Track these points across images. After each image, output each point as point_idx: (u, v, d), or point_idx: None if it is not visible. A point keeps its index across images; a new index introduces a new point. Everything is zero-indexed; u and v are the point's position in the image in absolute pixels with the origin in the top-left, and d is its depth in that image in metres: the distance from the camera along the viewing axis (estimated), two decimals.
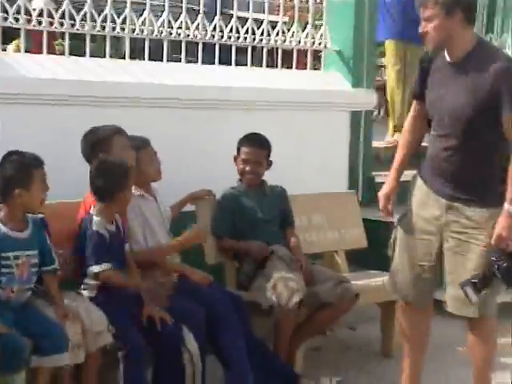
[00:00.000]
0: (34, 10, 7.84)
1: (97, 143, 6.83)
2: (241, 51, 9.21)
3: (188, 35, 8.69)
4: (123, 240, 6.52)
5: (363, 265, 8.33)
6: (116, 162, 6.52)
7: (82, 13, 7.97)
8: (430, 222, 6.34)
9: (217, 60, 8.95)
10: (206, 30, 8.81)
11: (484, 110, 6.06)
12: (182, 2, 8.68)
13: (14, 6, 7.56)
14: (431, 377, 6.81)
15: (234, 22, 9.03)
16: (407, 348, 6.71)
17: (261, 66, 9.40)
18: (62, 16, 7.85)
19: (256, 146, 7.57)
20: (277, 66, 9.60)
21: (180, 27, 8.59)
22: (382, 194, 6.56)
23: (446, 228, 6.26)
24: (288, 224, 7.71)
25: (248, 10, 9.29)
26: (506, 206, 5.98)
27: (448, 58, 6.23)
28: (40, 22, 7.79)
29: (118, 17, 8.18)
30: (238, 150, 7.60)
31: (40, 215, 6.27)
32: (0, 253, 5.85)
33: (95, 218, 6.36)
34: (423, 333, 6.66)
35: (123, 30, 8.22)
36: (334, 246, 8.52)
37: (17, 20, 7.63)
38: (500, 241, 5.96)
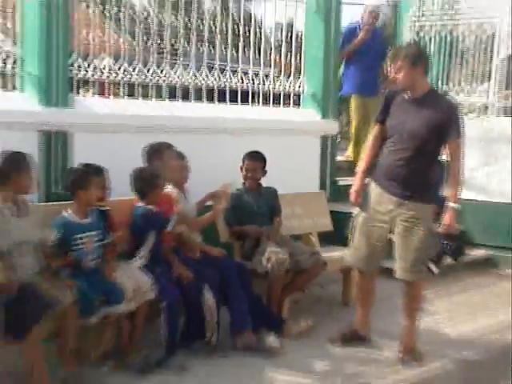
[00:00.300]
0: (104, 66, 7.95)
1: (153, 154, 6.96)
2: (245, 94, 9.31)
3: (208, 84, 8.80)
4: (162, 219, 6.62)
5: (330, 242, 8.38)
6: (148, 170, 6.66)
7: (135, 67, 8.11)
8: (384, 214, 6.46)
9: (227, 100, 9.07)
10: (220, 80, 8.93)
11: (433, 133, 6.29)
12: (203, 61, 8.79)
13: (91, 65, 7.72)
14: (377, 320, 6.87)
15: (239, 74, 9.18)
16: (360, 300, 6.86)
17: (258, 104, 9.48)
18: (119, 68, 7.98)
19: (255, 159, 7.67)
20: (269, 104, 9.66)
21: (203, 78, 8.73)
22: (353, 190, 6.64)
23: (397, 218, 6.41)
24: (276, 213, 7.77)
25: (249, 64, 9.42)
26: (450, 204, 6.33)
27: (408, 97, 6.41)
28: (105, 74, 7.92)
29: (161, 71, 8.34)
30: (243, 162, 7.69)
31: (104, 208, 6.41)
32: (73, 234, 5.97)
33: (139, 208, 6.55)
34: (371, 290, 6.82)
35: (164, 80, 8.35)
36: (310, 229, 8.58)
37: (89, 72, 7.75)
38: (448, 229, 6.28)
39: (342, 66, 11.25)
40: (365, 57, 10.92)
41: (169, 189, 6.89)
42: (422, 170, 6.40)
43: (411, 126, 6.33)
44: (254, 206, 7.63)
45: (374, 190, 6.55)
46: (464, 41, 11.15)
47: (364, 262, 6.67)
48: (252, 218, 7.57)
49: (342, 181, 9.78)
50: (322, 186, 9.74)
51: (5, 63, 7.16)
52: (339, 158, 10.59)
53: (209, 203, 7.46)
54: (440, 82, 11.02)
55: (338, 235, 8.02)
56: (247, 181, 7.71)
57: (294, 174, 8.86)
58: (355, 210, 6.71)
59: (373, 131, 6.81)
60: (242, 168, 7.71)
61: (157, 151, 6.98)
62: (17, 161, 5.69)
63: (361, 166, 6.74)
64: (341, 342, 6.71)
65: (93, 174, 6.21)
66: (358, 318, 6.86)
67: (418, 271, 6.55)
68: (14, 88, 7.48)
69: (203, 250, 7.07)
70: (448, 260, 6.69)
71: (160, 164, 6.87)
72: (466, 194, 10.26)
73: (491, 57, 10.84)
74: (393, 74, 6.44)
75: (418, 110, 6.36)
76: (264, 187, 7.78)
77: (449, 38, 11.14)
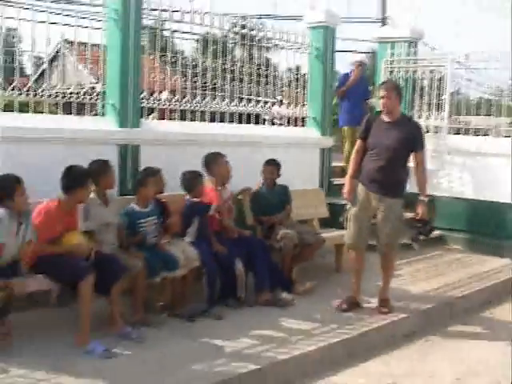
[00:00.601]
0: (163, 98, 7.98)
1: (208, 161, 6.94)
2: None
3: (238, 110, 8.79)
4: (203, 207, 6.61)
5: (326, 226, 8.32)
6: (191, 173, 6.64)
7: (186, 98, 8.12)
8: (369, 207, 6.43)
9: (252, 122, 9.02)
10: (247, 107, 8.91)
11: (404, 146, 6.30)
12: (234, 93, 8.78)
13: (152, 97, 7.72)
14: (363, 282, 6.79)
15: (261, 103, 9.15)
16: (354, 272, 6.73)
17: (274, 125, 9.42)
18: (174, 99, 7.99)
19: (272, 165, 7.59)
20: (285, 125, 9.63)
21: (234, 105, 8.72)
22: (346, 191, 6.54)
23: (378, 210, 6.39)
24: (287, 203, 7.65)
25: (268, 96, 9.38)
26: (421, 198, 6.39)
27: (385, 120, 6.38)
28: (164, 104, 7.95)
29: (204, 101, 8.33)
30: (264, 167, 7.60)
31: (162, 199, 6.47)
32: (137, 220, 6.02)
33: (187, 200, 6.55)
34: (362, 264, 6.71)
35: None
36: (313, 216, 8.50)
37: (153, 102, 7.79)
38: (422, 216, 6.30)
39: (338, 101, 11.27)
40: (353, 95, 10.91)
41: (212, 185, 6.88)
42: (394, 174, 6.37)
43: (388, 142, 6.29)
44: (271, 199, 7.53)
45: (361, 189, 6.48)
46: (422, 80, 11.13)
47: (357, 242, 6.58)
48: (269, 207, 7.49)
49: (336, 181, 9.66)
50: (321, 185, 9.66)
51: (91, 96, 7.18)
52: (334, 164, 10.53)
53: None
54: (406, 109, 11.01)
55: (332, 220, 8.00)
56: (266, 181, 7.63)
57: (300, 175, 8.80)
58: (348, 205, 6.61)
59: (356, 146, 6.70)
60: (262, 171, 7.63)
61: (213, 158, 6.96)
62: (103, 166, 5.97)
63: (349, 173, 6.67)
64: (344, 308, 6.53)
65: (150, 174, 6.29)
66: (353, 287, 6.72)
67: (391, 247, 6.54)
68: (96, 114, 7.61)
69: (237, 231, 7.01)
70: (421, 238, 6.59)
71: (215, 168, 6.91)
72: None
73: (440, 92, 10.83)
74: (382, 100, 6.37)
75: (393, 130, 6.32)
76: (278, 185, 7.69)
77: (412, 78, 11.11)
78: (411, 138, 6.35)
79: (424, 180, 6.51)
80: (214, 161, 6.96)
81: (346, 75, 11.21)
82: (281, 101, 9.11)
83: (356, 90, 10.95)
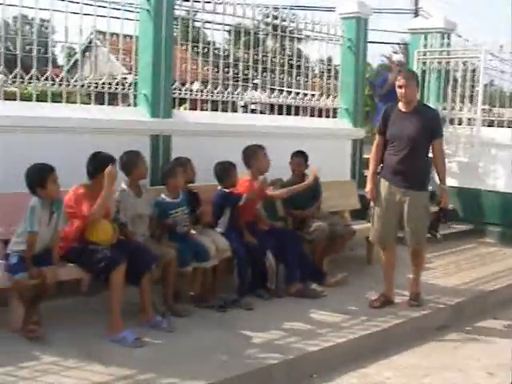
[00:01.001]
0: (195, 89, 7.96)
1: (247, 154, 6.91)
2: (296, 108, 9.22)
3: (270, 101, 8.74)
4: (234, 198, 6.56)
5: (358, 218, 8.28)
6: (223, 164, 6.62)
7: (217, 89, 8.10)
8: (394, 202, 6.28)
9: (284, 113, 8.98)
10: (279, 98, 8.85)
11: (424, 135, 6.14)
12: (266, 84, 8.73)
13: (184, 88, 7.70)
14: (397, 276, 6.69)
15: (292, 94, 9.09)
16: (385, 271, 6.62)
17: (306, 116, 9.36)
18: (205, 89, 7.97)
19: (299, 156, 7.53)
20: (316, 116, 9.54)
21: (266, 96, 8.67)
22: (369, 189, 6.47)
23: (403, 203, 6.24)
24: (318, 196, 7.57)
25: (300, 87, 9.32)
26: (441, 186, 6.26)
27: (404, 109, 6.26)
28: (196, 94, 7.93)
29: (236, 92, 8.27)
30: (291, 158, 7.55)
31: (193, 190, 6.50)
32: (167, 210, 6.03)
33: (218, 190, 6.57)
34: (392, 261, 6.57)
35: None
36: (344, 207, 8.48)
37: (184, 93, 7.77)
38: (445, 205, 6.18)
39: (376, 102, 10.95)
40: (391, 96, 10.73)
41: (248, 177, 6.85)
42: (416, 164, 6.24)
43: (408, 132, 6.18)
44: (301, 191, 7.34)
45: (384, 184, 6.37)
46: (455, 71, 11.01)
47: (382, 240, 6.51)
48: (300, 199, 7.39)
49: (367, 172, 9.55)
50: (353, 176, 9.59)
51: (123, 87, 7.19)
52: (365, 156, 10.45)
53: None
54: (438, 102, 10.93)
55: (363, 212, 7.89)
56: (294, 172, 7.56)
57: (332, 166, 8.67)
58: (372, 203, 6.54)
59: (376, 141, 6.55)
60: (290, 163, 7.58)
61: (253, 151, 6.91)
62: (135, 157, 5.96)
63: (371, 169, 6.57)
64: (376, 306, 6.40)
65: (179, 165, 6.30)
66: (386, 284, 6.61)
67: (419, 241, 6.42)
68: (128, 105, 7.61)
69: (269, 223, 7.01)
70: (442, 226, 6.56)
71: (254, 161, 6.88)
72: (459, 182, 10.37)
73: (473, 84, 10.72)
74: (400, 90, 6.25)
75: (412, 120, 6.20)
76: (307, 176, 7.58)
77: (444, 69, 10.99)
78: (430, 127, 6.22)
79: (444, 168, 6.39)
80: (253, 154, 6.90)
81: (386, 78, 11.03)
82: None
83: (394, 90, 10.80)
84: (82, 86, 6.82)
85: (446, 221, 6.50)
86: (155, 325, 5.36)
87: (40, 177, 5.07)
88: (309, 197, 7.48)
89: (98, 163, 5.42)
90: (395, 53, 11.44)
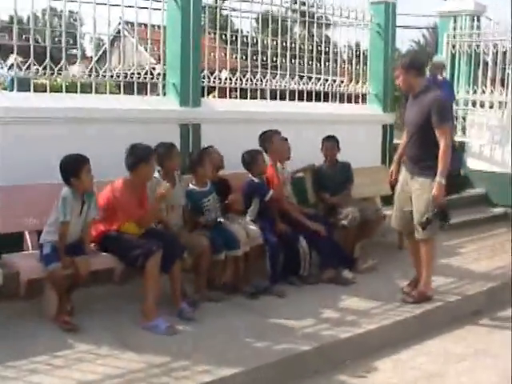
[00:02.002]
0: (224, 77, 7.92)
1: (264, 139, 6.88)
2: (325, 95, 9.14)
3: (298, 88, 8.64)
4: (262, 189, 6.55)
5: (389, 203, 8.14)
6: (250, 152, 6.61)
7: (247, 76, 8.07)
8: (406, 188, 6.16)
9: (313, 99, 8.90)
10: (307, 85, 8.78)
11: (422, 120, 5.90)
12: (295, 72, 8.68)
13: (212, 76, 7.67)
14: None
15: (321, 80, 9.00)
16: (413, 262, 6.42)
17: (335, 102, 9.27)
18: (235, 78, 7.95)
19: (330, 141, 7.51)
20: (345, 102, 9.53)
21: (295, 83, 8.60)
22: (390, 172, 6.48)
23: (412, 189, 6.09)
24: (349, 182, 7.56)
25: (328, 74, 9.23)
26: (438, 178, 5.74)
27: (411, 96, 6.15)
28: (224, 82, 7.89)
29: (265, 79, 8.23)
30: (322, 143, 7.54)
31: (223, 178, 6.54)
32: (198, 199, 6.05)
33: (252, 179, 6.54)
34: (413, 246, 6.35)
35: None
36: (375, 193, 8.41)
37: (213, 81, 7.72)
38: (436, 199, 5.78)
39: None
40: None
41: (269, 162, 6.82)
42: (420, 151, 6.02)
43: (411, 118, 6.08)
44: (333, 176, 7.44)
45: (402, 170, 6.32)
46: (486, 54, 10.87)
47: (400, 226, 6.42)
48: (331, 185, 7.40)
49: None
50: (383, 161, 9.46)
51: (152, 76, 7.17)
52: (396, 141, 10.37)
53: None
54: (468, 85, 10.80)
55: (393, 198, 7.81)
56: (327, 157, 7.54)
57: (363, 152, 8.63)
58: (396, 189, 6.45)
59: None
60: (322, 148, 7.56)
61: (268, 136, 6.89)
62: (169, 149, 5.97)
63: (397, 154, 6.55)
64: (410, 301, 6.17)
65: (206, 154, 6.30)
66: (416, 271, 6.41)
67: (426, 232, 6.04)
68: (157, 95, 7.58)
69: (300, 209, 7.01)
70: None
71: (270, 145, 6.84)
72: (490, 167, 10.23)
73: (504, 67, 10.58)
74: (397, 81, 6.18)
75: (414, 105, 6.05)
76: (340, 162, 7.59)
77: (475, 52, 10.87)
78: (427, 112, 5.90)
79: (443, 161, 5.79)
80: (268, 138, 6.88)
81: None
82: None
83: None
84: (111, 76, 6.82)
85: (445, 221, 6.09)
86: (186, 313, 5.34)
87: (75, 167, 5.08)
88: (340, 182, 7.46)
89: (135, 155, 5.40)
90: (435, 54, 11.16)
